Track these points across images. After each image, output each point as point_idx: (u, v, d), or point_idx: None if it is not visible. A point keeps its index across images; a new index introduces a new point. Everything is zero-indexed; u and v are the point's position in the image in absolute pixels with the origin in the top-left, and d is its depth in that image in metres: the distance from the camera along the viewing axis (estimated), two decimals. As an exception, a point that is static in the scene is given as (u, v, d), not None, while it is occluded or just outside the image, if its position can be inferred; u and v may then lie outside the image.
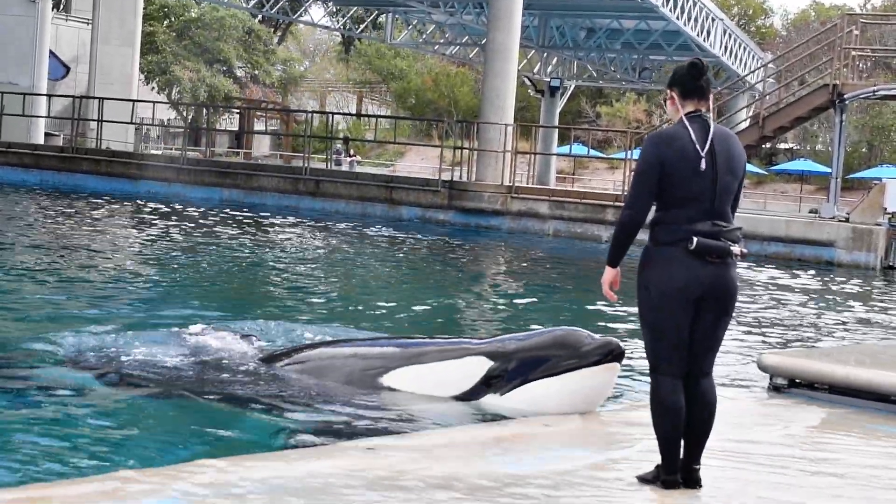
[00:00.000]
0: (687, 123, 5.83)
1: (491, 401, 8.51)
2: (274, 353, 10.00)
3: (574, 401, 8.35)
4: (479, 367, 8.59)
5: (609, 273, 6.09)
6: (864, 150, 75.67)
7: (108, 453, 7.34)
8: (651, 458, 6.23)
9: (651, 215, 5.92)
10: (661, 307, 5.80)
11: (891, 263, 28.53)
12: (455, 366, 8.71)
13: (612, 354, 8.36)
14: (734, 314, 6.05)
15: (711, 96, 6.01)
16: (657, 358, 5.88)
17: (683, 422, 5.84)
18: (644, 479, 6.09)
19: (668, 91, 5.98)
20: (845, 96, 31.68)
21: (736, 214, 5.96)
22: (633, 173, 6.00)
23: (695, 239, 5.71)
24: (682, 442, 5.90)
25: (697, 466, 5.96)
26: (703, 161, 5.71)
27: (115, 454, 7.31)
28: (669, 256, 5.78)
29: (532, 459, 6.69)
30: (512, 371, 8.49)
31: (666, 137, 5.86)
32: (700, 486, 5.96)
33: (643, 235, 5.90)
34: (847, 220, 29.86)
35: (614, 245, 6.00)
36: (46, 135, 46.04)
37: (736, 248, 5.79)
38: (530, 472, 6.33)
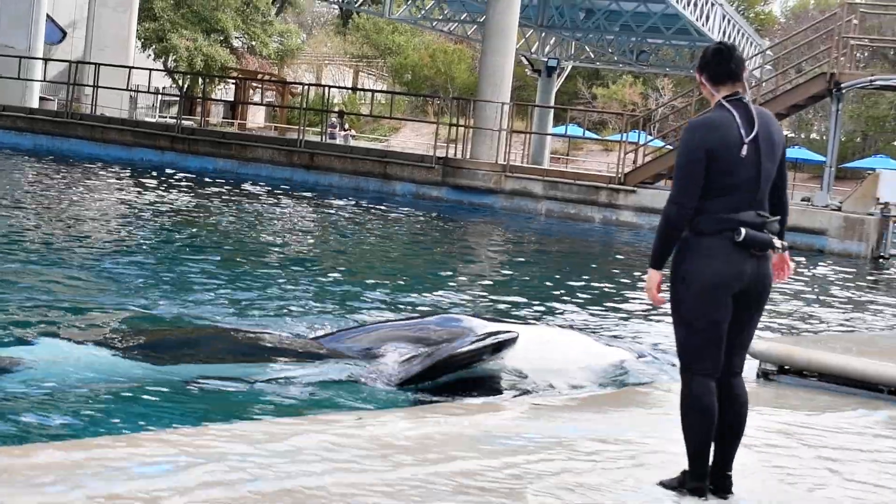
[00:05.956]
0: (729, 107, 5.50)
1: None
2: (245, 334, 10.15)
3: None
4: None
5: (654, 276, 5.61)
6: (858, 139, 75.75)
7: (120, 418, 7.39)
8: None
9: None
10: (702, 302, 5.44)
11: (881, 253, 28.60)
12: None
13: None
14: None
15: (745, 76, 5.64)
16: (691, 356, 5.52)
17: (716, 424, 5.51)
18: (667, 486, 5.74)
19: (698, 76, 5.70)
20: (842, 85, 31.66)
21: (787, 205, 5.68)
22: (676, 164, 5.52)
23: (743, 230, 5.37)
24: (713, 446, 5.58)
25: (730, 472, 5.64)
26: (745, 147, 5.39)
27: (126, 420, 7.37)
28: (712, 248, 5.42)
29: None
30: None
31: (709, 124, 5.50)
32: (731, 494, 5.63)
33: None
34: (839, 209, 29.91)
35: (660, 243, 5.54)
36: (41, 99, 45.95)
37: (777, 242, 5.48)
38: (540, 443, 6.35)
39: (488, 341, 9.41)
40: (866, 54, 67.25)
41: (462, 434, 6.66)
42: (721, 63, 5.59)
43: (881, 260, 28.39)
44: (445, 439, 6.46)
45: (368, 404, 8.30)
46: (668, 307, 5.64)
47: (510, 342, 9.51)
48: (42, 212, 20.84)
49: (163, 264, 15.51)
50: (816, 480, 6.40)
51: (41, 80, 45.25)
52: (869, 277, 24.65)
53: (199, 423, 7.09)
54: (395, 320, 11.29)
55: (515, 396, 8.90)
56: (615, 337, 12.33)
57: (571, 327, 12.47)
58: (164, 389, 8.23)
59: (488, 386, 9.37)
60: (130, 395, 8.01)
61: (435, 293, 14.93)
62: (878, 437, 7.71)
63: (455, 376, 9.28)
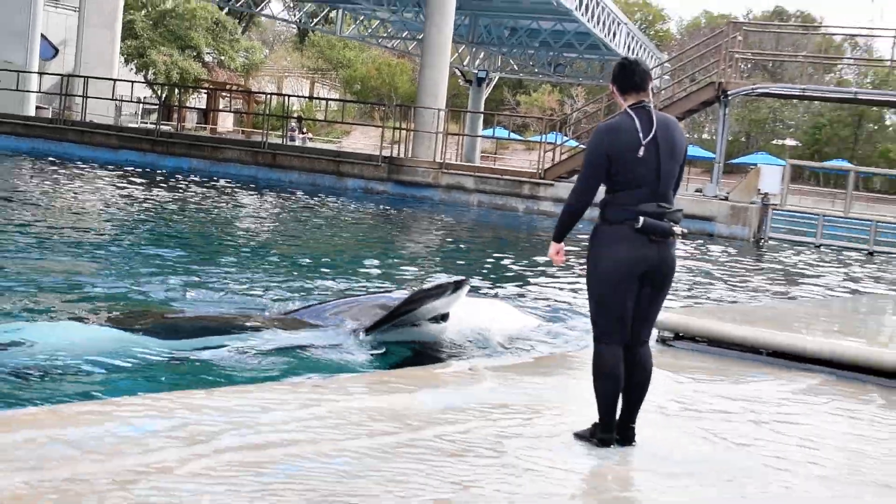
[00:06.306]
0: (633, 114, 5.49)
1: None
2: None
3: None
4: None
5: (554, 247, 5.72)
6: (742, 139, 76.53)
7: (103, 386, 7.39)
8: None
9: (601, 196, 5.59)
10: (609, 281, 5.49)
11: (761, 236, 28.96)
12: None
13: None
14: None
15: (651, 86, 5.64)
16: (602, 327, 5.57)
17: (622, 385, 5.60)
18: (580, 436, 5.80)
19: (611, 86, 5.69)
20: (729, 93, 31.99)
21: (677, 194, 5.72)
22: (583, 162, 5.59)
23: (641, 219, 5.40)
24: (620, 403, 5.66)
25: (633, 425, 5.73)
26: (643, 149, 5.40)
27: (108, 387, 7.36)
28: (618, 235, 5.47)
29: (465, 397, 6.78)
30: None
31: (613, 129, 5.51)
32: (635, 443, 5.73)
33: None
34: (727, 199, 30.23)
35: (560, 226, 5.68)
36: (37, 108, 45.43)
37: (677, 229, 5.51)
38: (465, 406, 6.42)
39: (450, 280, 9.53)
40: (749, 66, 67.83)
41: (411, 402, 6.67)
42: (626, 76, 5.60)
43: (761, 242, 28.75)
44: (399, 407, 6.47)
45: (331, 371, 8.33)
46: (579, 279, 5.75)
47: (466, 283, 9.63)
48: (38, 206, 20.65)
49: (145, 251, 15.43)
50: (731, 438, 6.41)
51: (37, 91, 44.71)
52: (751, 257, 24.95)
53: (179, 388, 7.11)
54: (353, 296, 11.34)
55: (458, 363, 8.95)
56: (538, 308, 12.44)
57: (502, 300, 12.57)
58: (148, 361, 8.23)
59: (434, 352, 9.47)
60: (116, 366, 7.99)
61: (382, 273, 15.00)
62: (759, 391, 7.85)
63: (410, 335, 9.43)
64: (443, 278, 9.82)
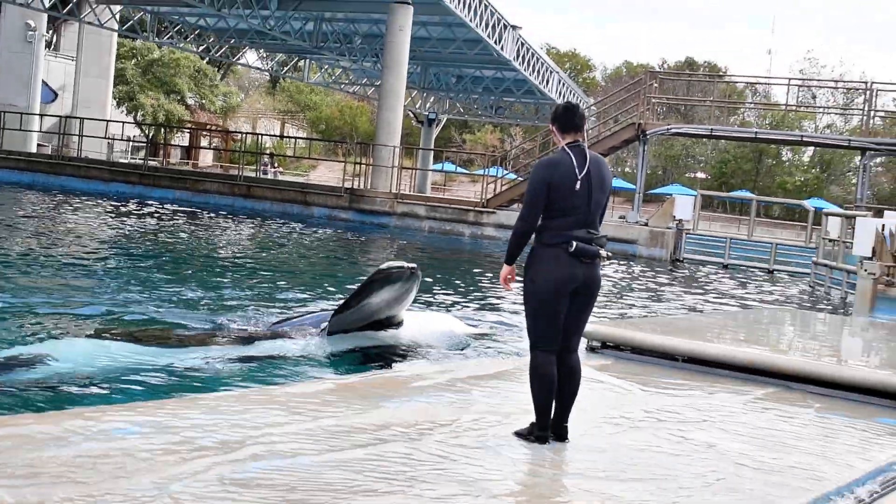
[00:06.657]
0: (569, 151, 5.51)
1: None
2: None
3: None
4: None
5: (506, 269, 5.69)
6: (660, 172, 77.07)
7: (89, 395, 7.27)
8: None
9: (539, 222, 5.53)
10: (544, 296, 5.46)
11: (677, 257, 29.15)
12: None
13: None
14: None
15: (585, 127, 5.61)
16: (537, 337, 5.53)
17: (556, 388, 5.57)
18: (520, 434, 5.74)
19: (551, 125, 5.68)
20: (647, 132, 32.24)
21: (604, 222, 5.72)
22: (525, 192, 5.55)
23: (574, 243, 5.42)
24: (554, 404, 5.62)
25: (566, 424, 5.70)
26: (579, 183, 5.43)
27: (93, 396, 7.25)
28: (553, 256, 5.45)
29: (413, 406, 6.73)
30: None
31: (552, 163, 5.49)
32: (567, 440, 5.70)
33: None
34: (646, 225, 30.42)
35: (511, 248, 5.59)
36: (38, 145, 44.98)
37: (603, 252, 5.54)
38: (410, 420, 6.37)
39: (406, 265, 9.43)
40: (664, 109, 68.43)
41: (381, 405, 6.64)
42: (568, 118, 5.60)
43: (677, 262, 28.94)
44: (375, 417, 6.45)
45: (301, 377, 8.27)
46: (516, 296, 5.73)
47: (418, 271, 9.54)
48: (39, 233, 20.39)
49: (136, 272, 15.27)
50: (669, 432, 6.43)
51: (38, 131, 44.33)
52: (668, 275, 25.08)
53: (166, 395, 7.03)
54: (323, 309, 11.29)
55: (419, 368, 8.88)
56: (480, 320, 12.42)
57: (448, 312, 12.54)
58: (141, 373, 8.12)
59: (396, 357, 9.42)
60: (112, 377, 7.88)
61: (346, 288, 14.91)
62: (677, 396, 7.88)
63: (371, 341, 9.34)
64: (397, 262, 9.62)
